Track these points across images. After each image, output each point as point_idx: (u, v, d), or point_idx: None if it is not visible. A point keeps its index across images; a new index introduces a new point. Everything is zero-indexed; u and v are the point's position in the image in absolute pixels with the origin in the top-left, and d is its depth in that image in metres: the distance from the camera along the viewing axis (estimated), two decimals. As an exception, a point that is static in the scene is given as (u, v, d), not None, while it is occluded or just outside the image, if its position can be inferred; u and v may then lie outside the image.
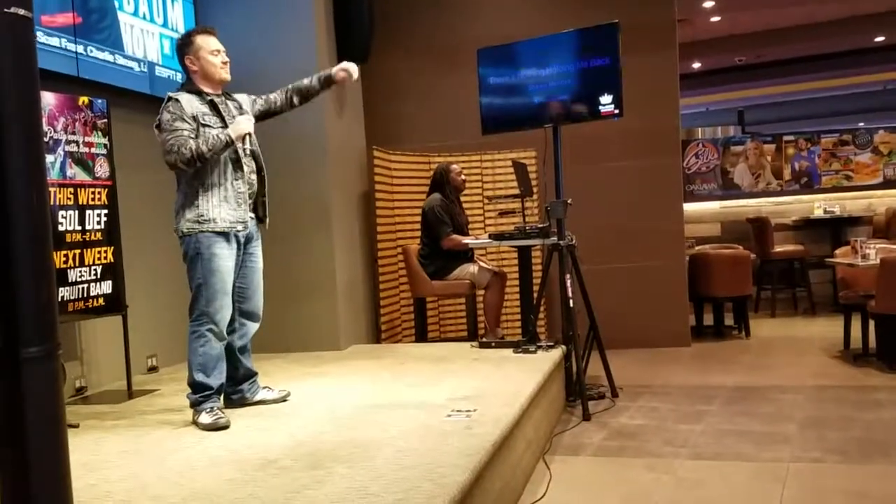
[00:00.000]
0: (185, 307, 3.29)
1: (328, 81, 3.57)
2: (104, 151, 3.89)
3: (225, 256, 3.22)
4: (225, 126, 3.25)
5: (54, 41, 3.80)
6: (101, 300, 3.84)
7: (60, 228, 3.61)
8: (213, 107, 3.28)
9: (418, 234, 5.40)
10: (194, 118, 3.19)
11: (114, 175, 3.95)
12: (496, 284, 5.19)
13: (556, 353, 4.30)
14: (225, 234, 3.22)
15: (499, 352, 4.47)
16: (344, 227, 5.15)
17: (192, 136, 3.16)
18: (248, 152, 3.35)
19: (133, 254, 4.15)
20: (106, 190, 3.91)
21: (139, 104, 4.36)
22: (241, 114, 3.40)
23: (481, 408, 3.13)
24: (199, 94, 3.28)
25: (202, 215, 3.19)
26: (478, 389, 3.51)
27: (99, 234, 3.85)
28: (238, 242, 3.30)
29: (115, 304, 3.93)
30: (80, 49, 3.96)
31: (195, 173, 3.19)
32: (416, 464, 2.45)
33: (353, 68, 3.53)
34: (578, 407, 4.18)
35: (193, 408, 3.22)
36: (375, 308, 5.57)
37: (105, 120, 3.90)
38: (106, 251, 3.89)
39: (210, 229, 3.19)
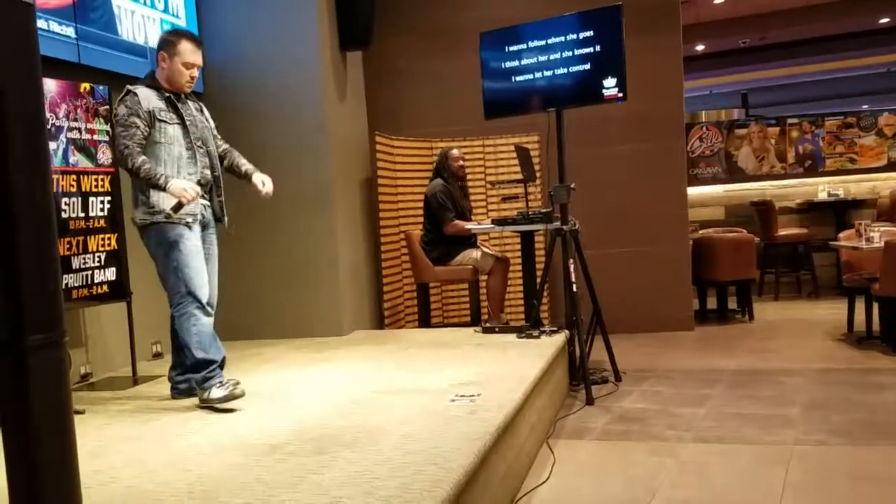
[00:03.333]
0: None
1: (248, 177, 3.51)
2: (106, 138, 3.88)
3: (189, 236, 3.26)
4: (182, 123, 3.29)
5: (54, 27, 3.78)
6: (105, 287, 3.85)
7: (64, 215, 3.61)
8: (171, 103, 3.30)
9: (421, 219, 5.40)
10: (150, 113, 3.21)
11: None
12: (499, 270, 5.19)
13: (560, 338, 4.31)
14: (179, 224, 3.25)
15: (502, 337, 4.48)
16: (346, 214, 5.15)
17: (144, 135, 3.18)
18: (202, 150, 3.36)
19: (137, 240, 4.13)
20: (109, 177, 3.90)
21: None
22: (201, 115, 3.44)
23: (485, 393, 3.14)
24: (158, 89, 3.30)
25: (153, 207, 3.22)
26: (481, 374, 3.52)
27: (102, 221, 3.85)
28: (197, 228, 3.33)
29: (119, 291, 3.94)
30: (81, 35, 3.94)
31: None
32: (420, 448, 2.46)
33: (269, 185, 3.47)
34: (582, 391, 4.19)
35: (200, 386, 3.22)
36: (378, 294, 5.57)
37: (107, 106, 3.89)
38: (109, 238, 3.89)
39: (161, 220, 3.22)
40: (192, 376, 3.28)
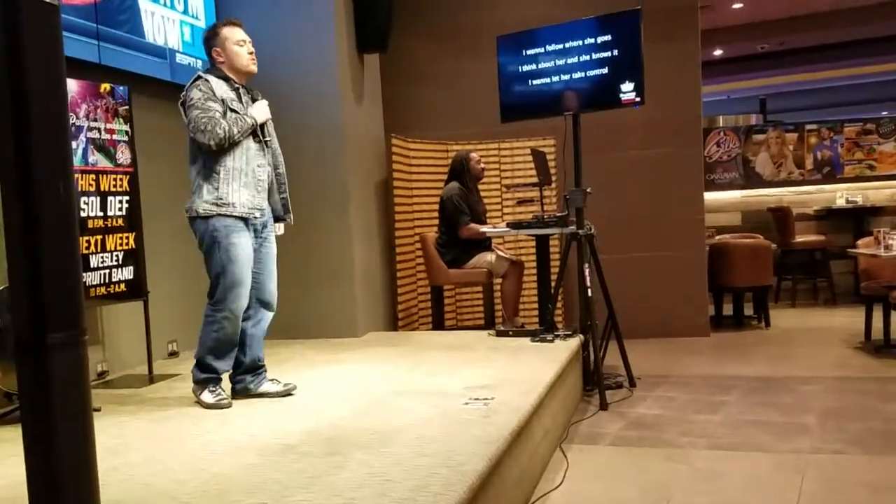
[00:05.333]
0: (205, 293, 3.30)
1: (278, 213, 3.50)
2: (126, 138, 3.92)
3: (243, 244, 3.22)
4: None
5: (75, 27, 3.81)
6: (122, 286, 3.88)
7: (83, 214, 3.64)
8: (239, 95, 3.29)
9: (436, 222, 5.40)
10: (223, 101, 3.19)
11: (135, 162, 3.98)
12: (514, 273, 5.19)
13: (574, 343, 4.29)
14: (243, 220, 3.22)
15: (516, 341, 4.48)
16: (362, 215, 5.16)
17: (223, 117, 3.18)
18: (269, 145, 3.36)
19: (154, 240, 4.18)
20: (127, 176, 3.93)
21: (160, 91, 4.38)
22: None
23: (499, 396, 3.13)
24: (226, 80, 3.29)
25: (221, 198, 3.17)
26: (495, 378, 3.51)
27: (120, 221, 3.88)
28: (255, 229, 3.31)
29: (136, 290, 3.97)
30: (102, 36, 3.98)
31: (218, 155, 3.18)
32: (434, 451, 2.46)
33: (281, 230, 3.57)
34: (596, 396, 4.18)
35: (196, 384, 3.29)
36: (393, 296, 5.58)
37: (126, 107, 3.92)
38: (127, 237, 3.92)
39: (228, 213, 3.18)
40: (193, 369, 3.32)
